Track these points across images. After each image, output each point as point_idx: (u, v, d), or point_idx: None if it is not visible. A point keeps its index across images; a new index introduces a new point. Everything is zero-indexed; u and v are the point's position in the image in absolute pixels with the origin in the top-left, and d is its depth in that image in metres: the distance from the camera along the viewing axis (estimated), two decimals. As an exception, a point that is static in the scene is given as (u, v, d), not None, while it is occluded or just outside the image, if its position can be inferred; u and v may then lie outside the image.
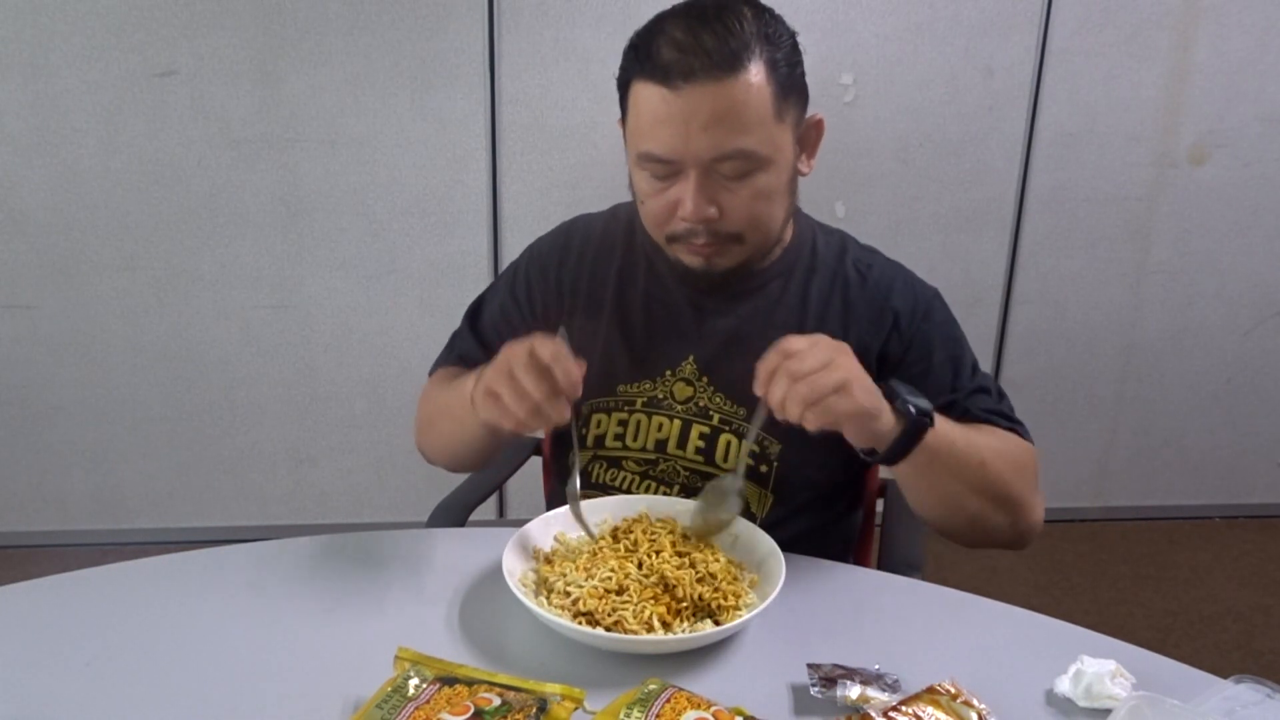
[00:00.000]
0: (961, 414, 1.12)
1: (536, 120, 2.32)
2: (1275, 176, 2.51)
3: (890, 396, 0.98)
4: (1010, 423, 1.14)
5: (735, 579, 0.98)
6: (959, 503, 1.06)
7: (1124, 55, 2.38)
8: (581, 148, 2.33)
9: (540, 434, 1.01)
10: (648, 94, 1.02)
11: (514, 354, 0.96)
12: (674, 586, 0.95)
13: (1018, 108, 2.41)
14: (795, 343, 0.94)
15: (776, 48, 1.03)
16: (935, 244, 2.49)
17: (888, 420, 0.97)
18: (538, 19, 2.25)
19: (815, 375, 0.91)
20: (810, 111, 1.12)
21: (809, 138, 1.12)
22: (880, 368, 1.15)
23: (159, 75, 2.23)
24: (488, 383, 0.98)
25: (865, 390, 0.94)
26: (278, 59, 2.24)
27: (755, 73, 1.01)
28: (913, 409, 0.97)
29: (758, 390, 0.94)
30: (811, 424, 0.92)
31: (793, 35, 1.07)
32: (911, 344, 1.16)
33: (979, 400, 1.15)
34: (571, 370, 0.96)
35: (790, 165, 1.09)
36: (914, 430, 0.97)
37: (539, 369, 0.94)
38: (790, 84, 1.05)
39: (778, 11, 1.08)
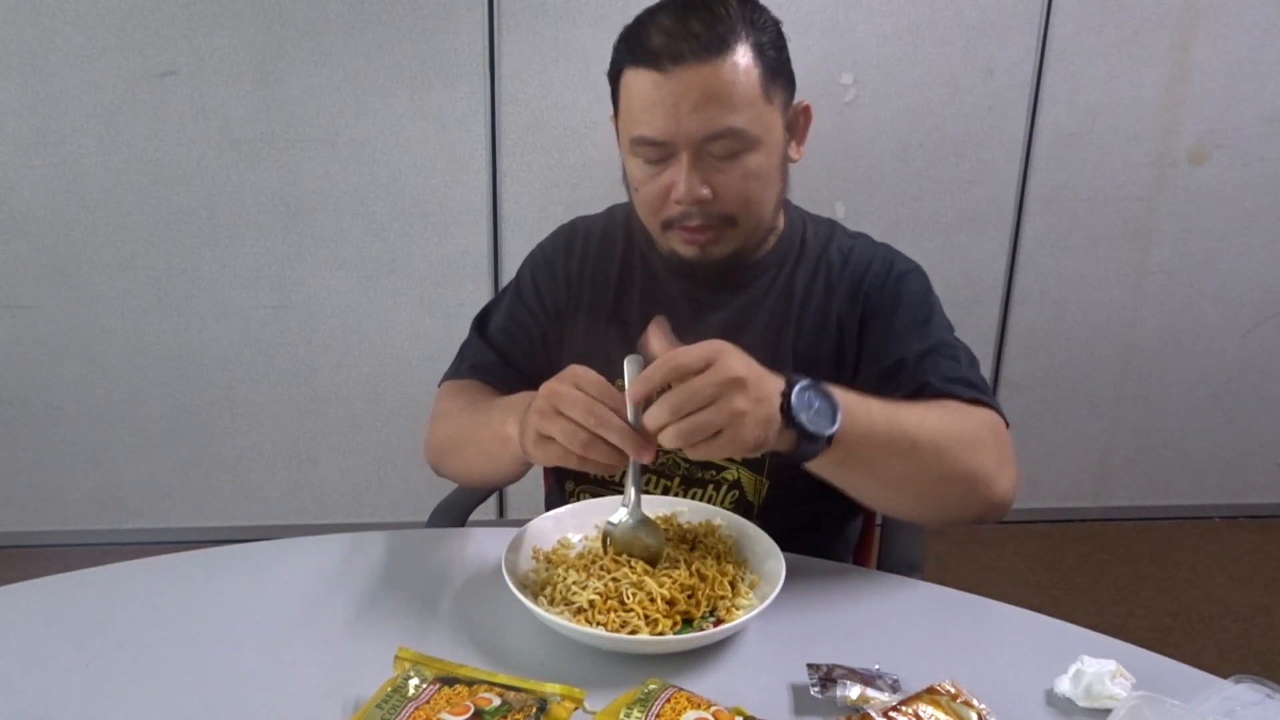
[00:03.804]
0: (916, 382, 1.09)
1: (536, 120, 2.32)
2: (1275, 176, 2.51)
3: (785, 407, 0.89)
4: (975, 391, 1.09)
5: (727, 578, 0.98)
6: (896, 486, 1.02)
7: (1124, 55, 2.39)
8: (581, 148, 2.33)
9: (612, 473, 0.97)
10: (639, 80, 1.05)
11: (556, 392, 0.91)
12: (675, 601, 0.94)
13: (1018, 108, 2.41)
14: (684, 358, 0.86)
15: (762, 32, 1.06)
16: (935, 244, 2.49)
17: (783, 440, 0.91)
18: (538, 19, 2.25)
19: (698, 416, 0.84)
20: (805, 104, 1.13)
21: (798, 124, 1.14)
22: (858, 336, 1.16)
23: (159, 75, 2.23)
24: (537, 427, 0.92)
25: (756, 423, 0.87)
26: (278, 59, 2.24)
27: (742, 55, 1.03)
28: (803, 426, 0.90)
29: (631, 398, 0.88)
30: (691, 455, 0.87)
31: (777, 23, 1.09)
32: (877, 308, 1.15)
33: (942, 365, 1.10)
34: (616, 397, 0.90)
35: (780, 148, 1.10)
36: (804, 456, 0.93)
37: (585, 403, 0.89)
38: (777, 67, 1.07)
39: (776, 9, 1.09)
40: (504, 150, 2.34)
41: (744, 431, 0.86)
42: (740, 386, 0.86)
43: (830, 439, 0.92)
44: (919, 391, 1.09)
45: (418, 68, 2.27)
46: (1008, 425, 1.09)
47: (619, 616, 0.91)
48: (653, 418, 0.86)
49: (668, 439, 0.86)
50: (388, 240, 2.38)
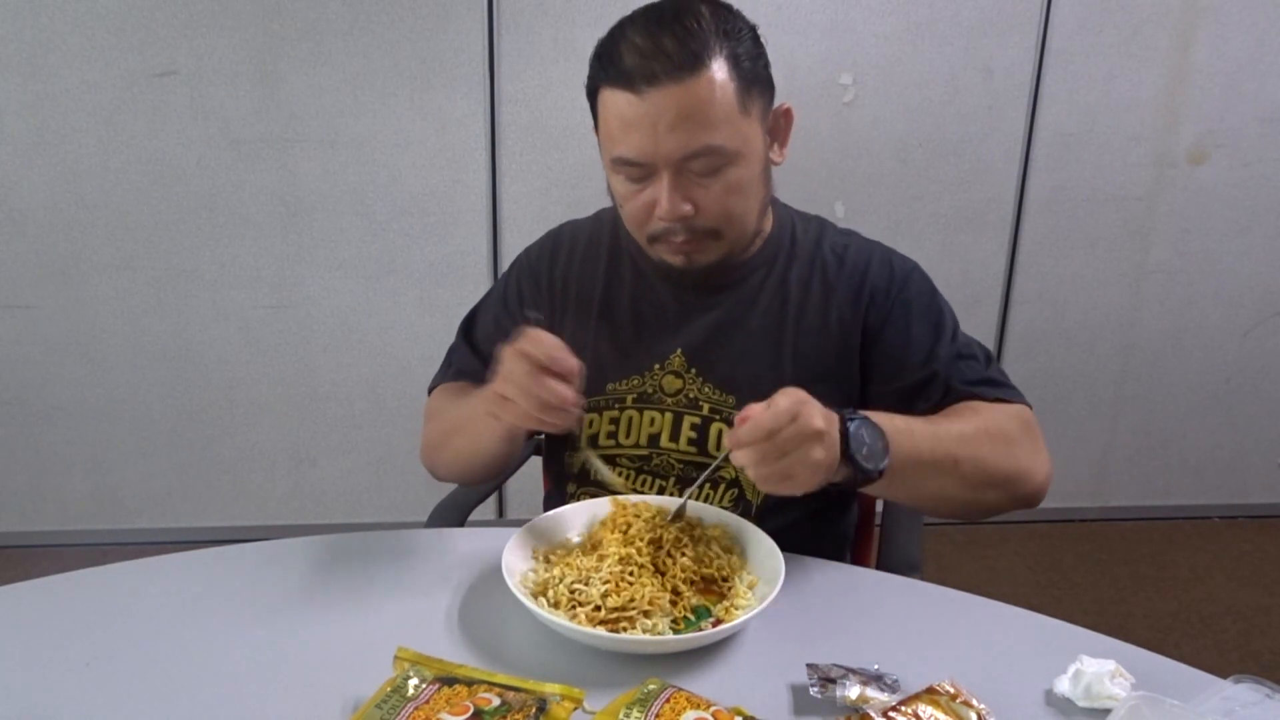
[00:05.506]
0: (944, 390, 1.13)
1: (536, 120, 2.32)
2: (1275, 176, 2.51)
3: (844, 441, 0.94)
4: (999, 389, 1.14)
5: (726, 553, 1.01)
6: (939, 499, 1.08)
7: (1124, 55, 2.39)
8: (581, 148, 2.33)
9: (572, 428, 1.02)
10: (614, 100, 1.05)
11: (509, 354, 0.99)
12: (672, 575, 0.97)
13: (1017, 108, 2.41)
14: (769, 422, 0.89)
15: (737, 42, 1.05)
16: (935, 244, 2.49)
17: (839, 473, 0.95)
18: (538, 19, 2.25)
19: (787, 462, 0.90)
20: (785, 107, 1.13)
21: (778, 127, 1.14)
22: (862, 342, 1.17)
23: (159, 75, 2.23)
24: (495, 388, 1.00)
25: (825, 469, 0.92)
26: (278, 59, 2.24)
27: (717, 69, 1.03)
28: (860, 464, 0.95)
29: (729, 443, 0.92)
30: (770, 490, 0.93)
31: (753, 29, 1.08)
32: (889, 316, 1.16)
33: (964, 369, 1.14)
34: (556, 355, 0.96)
35: (761, 157, 1.10)
36: (857, 485, 0.98)
37: (533, 363, 0.96)
38: (753, 77, 1.06)
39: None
40: (504, 150, 2.34)
41: (816, 478, 0.92)
42: (819, 439, 0.91)
43: (881, 471, 0.97)
44: (945, 398, 1.13)
45: (418, 68, 2.27)
46: (1030, 409, 1.15)
47: (645, 592, 0.93)
48: (744, 459, 0.91)
49: (761, 481, 0.92)
50: (387, 240, 2.38)
